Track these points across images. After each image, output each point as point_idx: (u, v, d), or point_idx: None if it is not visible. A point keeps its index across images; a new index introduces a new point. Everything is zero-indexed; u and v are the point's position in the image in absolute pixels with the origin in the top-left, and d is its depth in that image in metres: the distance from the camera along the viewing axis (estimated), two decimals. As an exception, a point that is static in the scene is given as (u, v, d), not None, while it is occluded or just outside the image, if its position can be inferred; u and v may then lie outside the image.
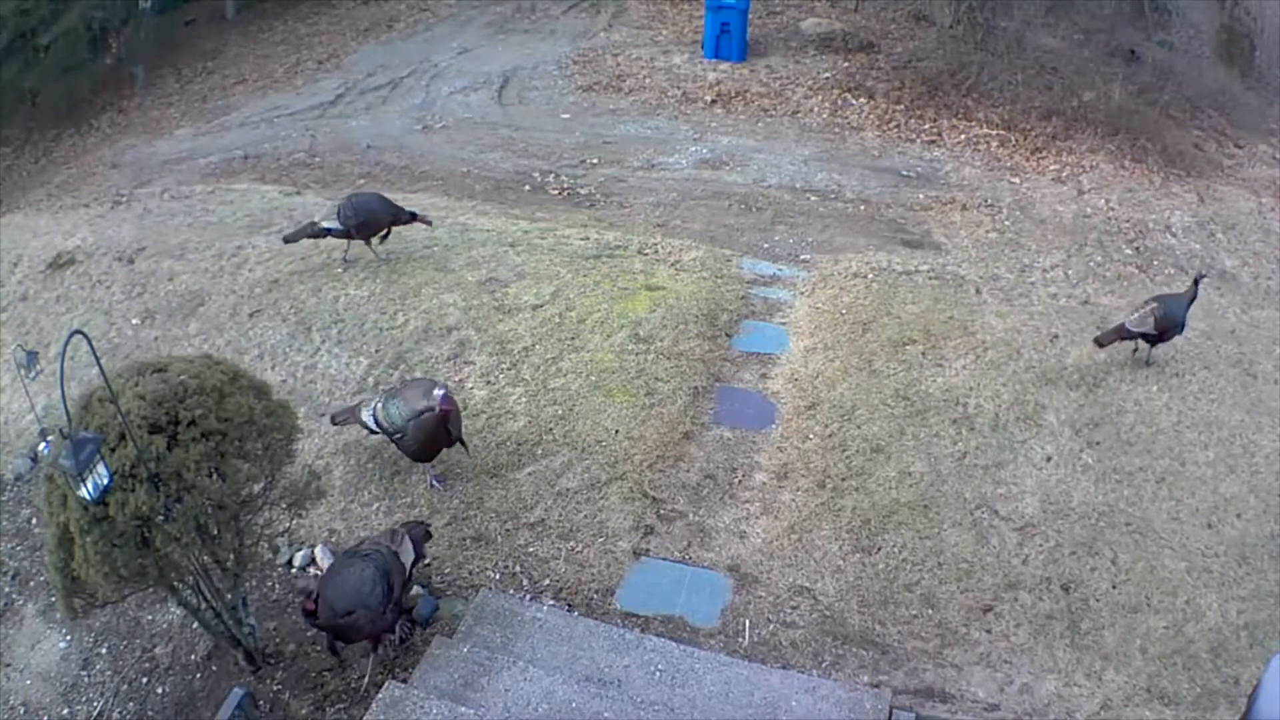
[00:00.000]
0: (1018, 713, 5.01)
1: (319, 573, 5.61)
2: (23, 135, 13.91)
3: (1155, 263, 8.98)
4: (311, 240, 8.01)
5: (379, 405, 5.96)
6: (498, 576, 5.63)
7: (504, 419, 6.63)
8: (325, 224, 7.81)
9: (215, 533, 4.50)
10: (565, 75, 13.06)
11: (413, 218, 7.97)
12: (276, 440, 4.71)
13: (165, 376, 4.41)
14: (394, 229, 8.08)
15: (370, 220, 7.82)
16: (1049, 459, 6.41)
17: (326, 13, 15.99)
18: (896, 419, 6.66)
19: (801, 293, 8.13)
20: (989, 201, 9.91)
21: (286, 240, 8.06)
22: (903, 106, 11.88)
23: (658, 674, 4.85)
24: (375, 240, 8.07)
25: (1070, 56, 12.36)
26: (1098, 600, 5.54)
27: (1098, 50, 12.32)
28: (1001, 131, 11.34)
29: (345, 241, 8.03)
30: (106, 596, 4.38)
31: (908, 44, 13.35)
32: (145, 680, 5.27)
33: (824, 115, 11.88)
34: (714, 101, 12.24)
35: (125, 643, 5.45)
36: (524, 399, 6.78)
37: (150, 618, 5.52)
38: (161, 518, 4.19)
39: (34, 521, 6.15)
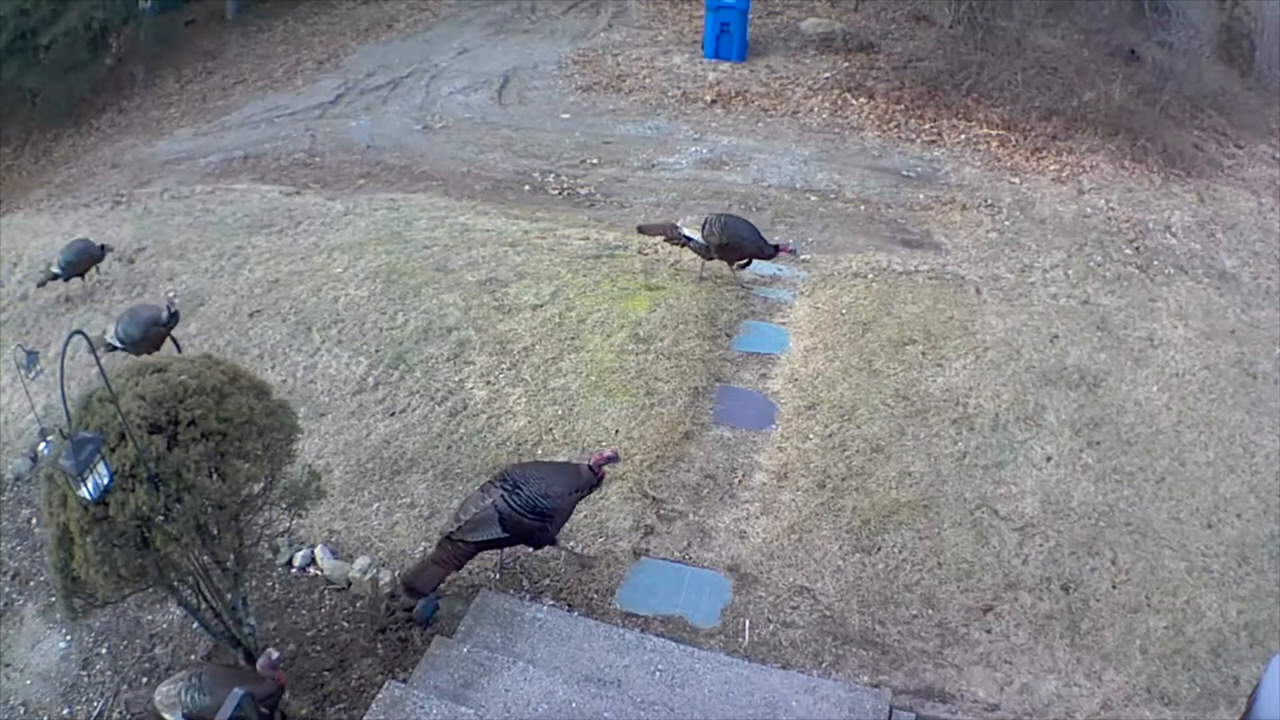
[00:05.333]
0: (1018, 713, 5.01)
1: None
2: (23, 135, 13.93)
3: (1155, 263, 8.98)
4: (671, 242, 7.88)
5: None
6: (498, 576, 5.63)
7: (504, 419, 6.63)
8: (687, 231, 7.64)
9: (215, 533, 4.50)
10: (565, 75, 13.06)
11: (776, 250, 7.75)
12: (276, 440, 4.71)
13: (165, 376, 4.41)
14: (755, 260, 7.86)
15: (734, 245, 7.62)
16: (1049, 459, 6.41)
17: (326, 13, 15.99)
18: (896, 419, 6.66)
19: (801, 293, 8.13)
20: (989, 201, 9.91)
21: (641, 231, 7.96)
22: (903, 106, 11.88)
23: (658, 674, 4.85)
24: (734, 266, 7.86)
25: (1070, 56, 12.36)
26: (1098, 600, 5.54)
27: (1098, 50, 12.32)
28: (1001, 131, 11.34)
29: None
30: (106, 596, 4.38)
31: (908, 44, 13.34)
32: (145, 680, 5.27)
33: (824, 115, 11.88)
34: (714, 101, 12.24)
35: (125, 643, 5.45)
36: (524, 399, 6.78)
37: (150, 618, 5.52)
38: (161, 518, 4.19)
39: (34, 521, 6.15)
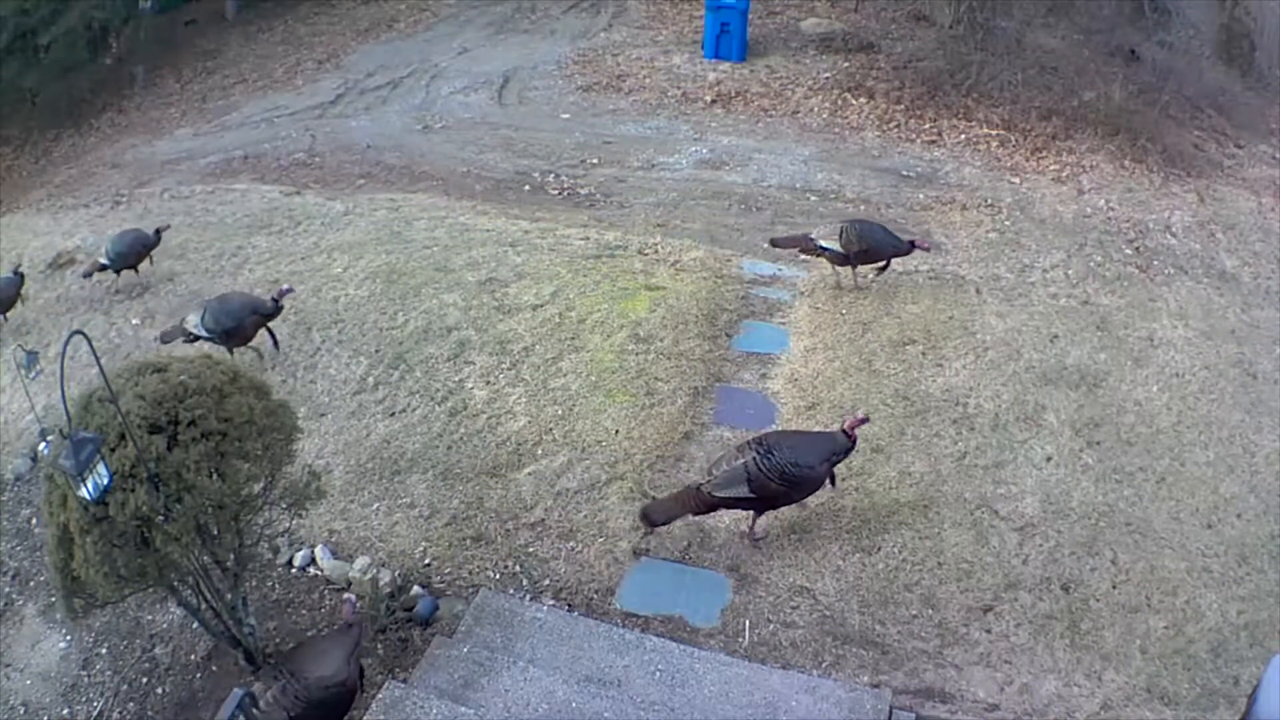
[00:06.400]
0: (1018, 713, 5.01)
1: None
2: (23, 135, 13.92)
3: (1155, 263, 8.98)
4: (806, 253, 7.79)
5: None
6: (498, 576, 5.63)
7: (504, 419, 6.63)
8: (822, 242, 7.52)
9: (215, 533, 4.50)
10: (565, 75, 13.06)
11: (912, 247, 7.63)
12: (276, 440, 4.71)
13: (165, 376, 4.41)
14: (893, 261, 7.75)
15: (872, 250, 7.52)
16: (1049, 459, 6.41)
17: (326, 13, 16.00)
18: (896, 419, 6.66)
19: (801, 293, 8.13)
20: (989, 201, 9.91)
21: (774, 244, 7.87)
22: (903, 106, 11.88)
23: (658, 674, 4.85)
24: (871, 271, 7.78)
25: (1070, 56, 12.36)
26: (1098, 600, 5.54)
27: (1098, 50, 12.32)
28: (1001, 131, 11.34)
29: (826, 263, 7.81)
30: (106, 596, 4.38)
31: (908, 44, 13.35)
32: (145, 680, 5.27)
33: (824, 115, 11.88)
34: (714, 101, 12.24)
35: (125, 643, 5.45)
36: (524, 399, 6.78)
37: (150, 618, 5.52)
38: (161, 518, 4.19)
39: (34, 521, 6.15)
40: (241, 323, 6.68)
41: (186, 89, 14.15)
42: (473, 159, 10.99)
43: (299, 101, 12.83)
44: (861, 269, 7.84)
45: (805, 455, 5.44)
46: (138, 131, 12.99)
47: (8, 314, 7.82)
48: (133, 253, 7.80)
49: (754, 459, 5.37)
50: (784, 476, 5.36)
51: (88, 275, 8.02)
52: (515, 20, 15.14)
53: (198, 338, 6.69)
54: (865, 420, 5.68)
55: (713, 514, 5.66)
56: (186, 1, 16.45)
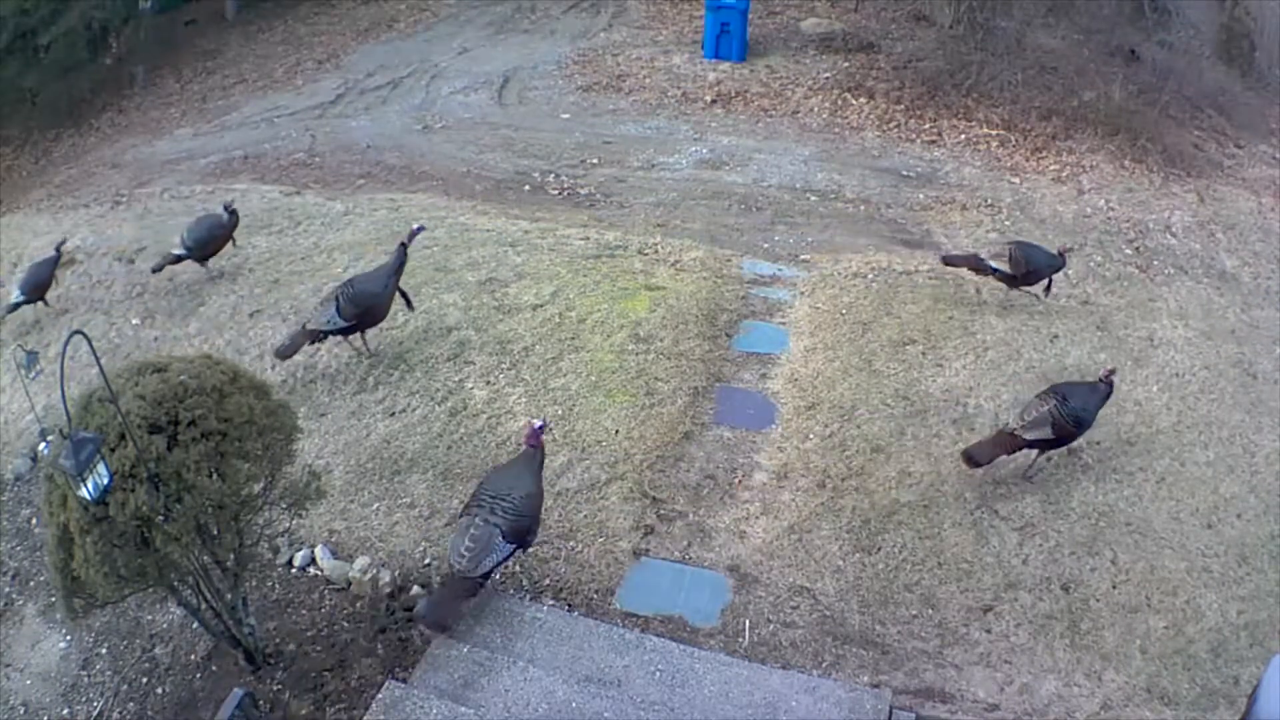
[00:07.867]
0: (1018, 713, 5.01)
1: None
2: (23, 135, 13.92)
3: (1155, 263, 8.98)
4: (971, 271, 7.93)
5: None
6: (498, 576, 5.63)
7: (504, 419, 6.63)
8: (992, 262, 7.72)
9: (215, 533, 4.50)
10: (565, 75, 13.06)
11: (1063, 259, 7.80)
12: (276, 440, 4.71)
13: (165, 376, 4.41)
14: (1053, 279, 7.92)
15: (1034, 272, 7.75)
16: (1049, 459, 6.41)
17: (326, 13, 15.99)
18: (896, 419, 6.66)
19: (801, 293, 8.13)
20: (989, 201, 9.91)
21: (946, 262, 8.02)
22: (903, 106, 11.88)
23: (658, 674, 4.85)
24: (1040, 288, 7.92)
25: (1070, 56, 12.36)
26: (1098, 600, 5.54)
27: (1098, 50, 12.32)
28: (1001, 131, 11.34)
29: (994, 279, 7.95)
30: (106, 596, 4.38)
31: (908, 44, 13.35)
32: (145, 680, 5.27)
33: (824, 115, 11.88)
34: (714, 101, 12.24)
35: (125, 643, 5.45)
36: (524, 399, 6.78)
37: (150, 618, 5.52)
38: (161, 518, 4.19)
39: (34, 521, 6.16)
40: (383, 294, 6.68)
41: (186, 89, 14.15)
42: (473, 159, 10.99)
43: (299, 101, 12.83)
44: (1031, 288, 7.96)
45: (1089, 402, 6.18)
46: (138, 131, 12.98)
47: (45, 297, 7.71)
48: (213, 238, 7.59)
49: (1055, 406, 6.04)
50: (1077, 420, 6.08)
51: (158, 269, 7.80)
52: (515, 20, 15.14)
53: (327, 334, 6.71)
54: (1113, 371, 6.35)
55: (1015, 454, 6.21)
56: (186, 1, 16.44)
